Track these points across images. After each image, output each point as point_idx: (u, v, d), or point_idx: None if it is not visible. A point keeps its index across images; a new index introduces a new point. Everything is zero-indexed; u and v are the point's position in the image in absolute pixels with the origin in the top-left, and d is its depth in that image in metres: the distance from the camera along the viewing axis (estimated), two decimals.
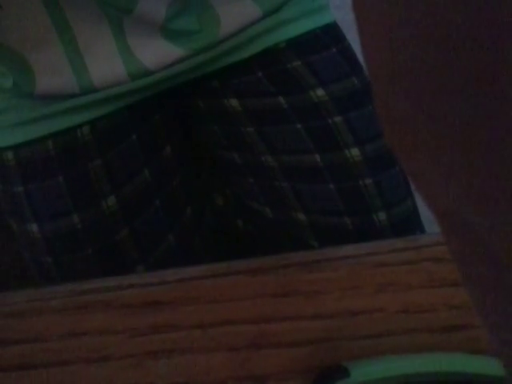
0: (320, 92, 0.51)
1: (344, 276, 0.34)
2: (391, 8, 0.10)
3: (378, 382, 0.30)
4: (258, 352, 0.32)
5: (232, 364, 0.32)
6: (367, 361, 0.31)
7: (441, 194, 0.12)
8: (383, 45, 0.11)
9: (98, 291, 0.34)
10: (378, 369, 0.31)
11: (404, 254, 0.35)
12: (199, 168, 0.58)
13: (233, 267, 0.35)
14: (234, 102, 0.53)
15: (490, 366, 0.31)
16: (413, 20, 0.10)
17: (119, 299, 0.34)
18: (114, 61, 0.47)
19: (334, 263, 0.35)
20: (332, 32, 0.54)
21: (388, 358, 0.31)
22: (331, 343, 0.32)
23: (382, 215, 0.49)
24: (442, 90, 0.10)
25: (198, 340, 0.33)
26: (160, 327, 0.33)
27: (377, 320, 0.33)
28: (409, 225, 0.50)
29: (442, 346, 0.32)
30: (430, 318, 0.32)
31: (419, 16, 0.10)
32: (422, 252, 0.35)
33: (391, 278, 0.34)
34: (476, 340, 0.32)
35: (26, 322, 0.34)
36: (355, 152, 0.50)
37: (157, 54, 0.48)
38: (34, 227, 0.49)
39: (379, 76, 0.11)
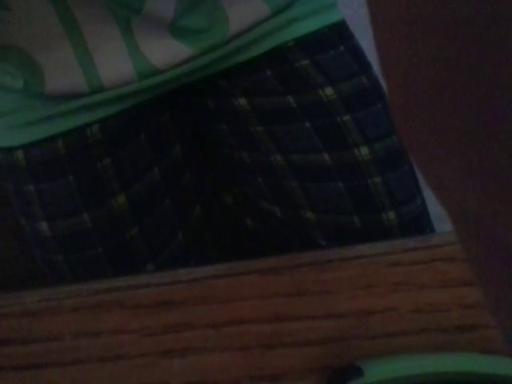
0: (329, 91, 0.51)
1: (357, 276, 0.34)
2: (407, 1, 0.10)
3: (391, 382, 0.30)
4: (271, 351, 0.32)
5: (245, 363, 0.32)
6: (381, 360, 0.31)
7: (455, 193, 0.12)
8: (398, 40, 0.11)
9: (111, 291, 0.35)
10: (391, 368, 0.31)
11: (416, 253, 0.35)
12: (208, 167, 0.58)
13: (245, 267, 0.35)
14: (243, 101, 0.53)
15: (502, 366, 0.31)
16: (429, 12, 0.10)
17: (133, 299, 0.34)
18: (123, 60, 0.47)
19: (346, 263, 0.35)
20: (340, 30, 0.54)
21: (401, 358, 0.31)
22: (344, 343, 0.32)
23: (391, 214, 0.49)
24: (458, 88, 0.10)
25: (212, 339, 0.33)
26: (174, 327, 0.33)
27: (390, 319, 0.33)
28: (418, 223, 0.50)
29: (455, 345, 0.32)
30: (442, 317, 0.32)
31: (434, 8, 0.10)
32: (434, 251, 0.35)
33: (404, 278, 0.34)
34: (489, 340, 0.32)
35: (39, 322, 0.34)
36: (364, 151, 0.50)
37: (165, 53, 0.48)
38: (45, 226, 0.49)
39: (394, 74, 0.11)
